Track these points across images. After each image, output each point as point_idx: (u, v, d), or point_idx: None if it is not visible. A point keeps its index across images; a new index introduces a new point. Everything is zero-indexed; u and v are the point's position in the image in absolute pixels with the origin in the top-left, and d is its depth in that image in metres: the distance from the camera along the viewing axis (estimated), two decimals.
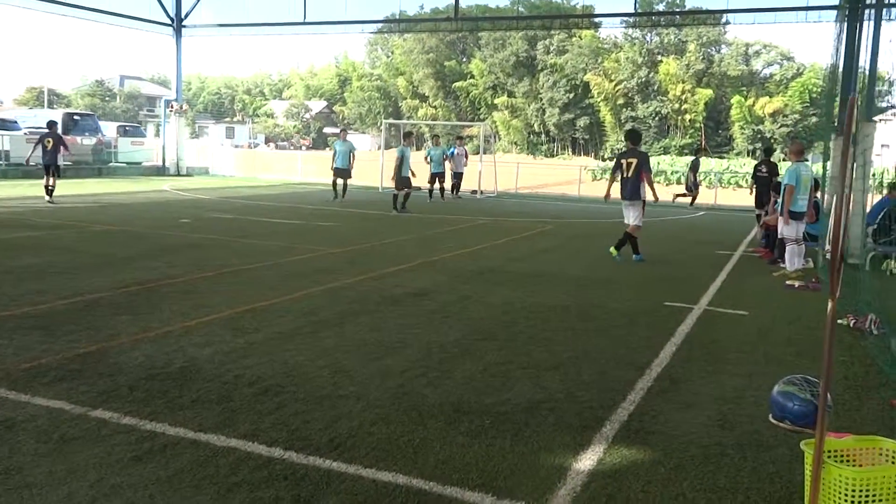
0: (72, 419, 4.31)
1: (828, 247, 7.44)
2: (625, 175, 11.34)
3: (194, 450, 3.95)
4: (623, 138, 12.14)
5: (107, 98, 77.13)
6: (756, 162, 18.06)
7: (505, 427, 4.45)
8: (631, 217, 11.51)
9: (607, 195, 12.11)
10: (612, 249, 11.61)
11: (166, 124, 32.01)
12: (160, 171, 31.22)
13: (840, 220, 2.75)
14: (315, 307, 7.44)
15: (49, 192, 17.18)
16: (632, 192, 11.34)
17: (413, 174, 18.84)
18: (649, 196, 11.57)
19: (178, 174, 30.83)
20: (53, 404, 4.52)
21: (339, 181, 20.72)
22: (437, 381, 5.25)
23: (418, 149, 56.53)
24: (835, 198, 6.21)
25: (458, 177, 24.32)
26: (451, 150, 24.66)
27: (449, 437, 4.26)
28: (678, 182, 43.96)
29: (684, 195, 22.67)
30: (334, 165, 20.72)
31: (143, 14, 29.59)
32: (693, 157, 24.93)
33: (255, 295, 7.89)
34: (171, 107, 31.48)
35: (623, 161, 11.44)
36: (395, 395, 4.92)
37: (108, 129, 34.23)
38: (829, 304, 2.87)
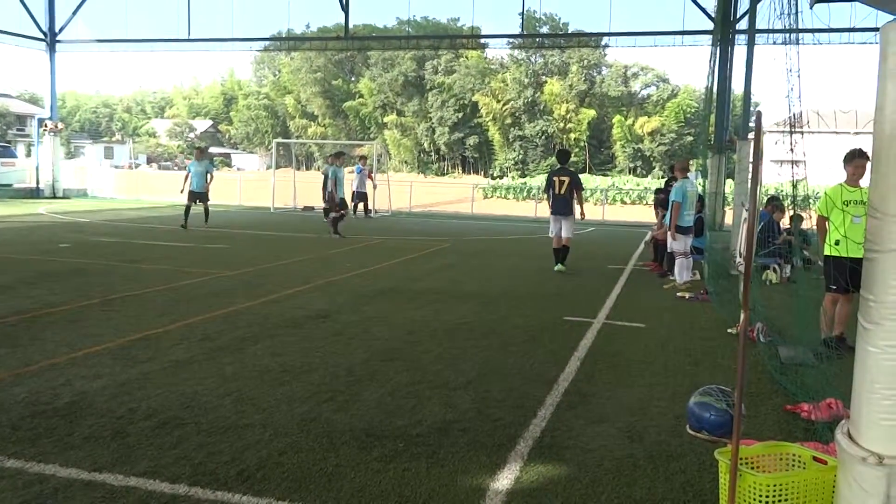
0: None
1: (739, 259, 7.75)
2: (557, 192, 12.08)
3: (89, 492, 3.67)
4: (556, 159, 12.82)
5: None
6: (665, 179, 18.79)
7: (419, 450, 4.36)
8: (566, 230, 12.16)
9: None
10: (558, 267, 12.10)
11: (40, 144, 30.29)
12: (34, 193, 29.46)
13: (752, 235, 2.84)
14: (212, 333, 7.14)
15: None
16: (565, 207, 12.10)
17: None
18: (577, 213, 12.28)
19: (54, 196, 29.18)
20: None
21: (199, 205, 18.34)
22: (345, 406, 5.11)
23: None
24: (745, 213, 6.48)
25: (361, 196, 23.83)
26: (357, 168, 24.20)
27: (363, 464, 4.14)
28: None
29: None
30: (189, 188, 18.33)
31: (12, 28, 27.93)
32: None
33: (147, 322, 7.50)
34: (45, 125, 29.79)
35: (555, 179, 12.20)
36: (303, 422, 4.75)
37: None
38: (742, 316, 2.95)
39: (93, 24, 33.53)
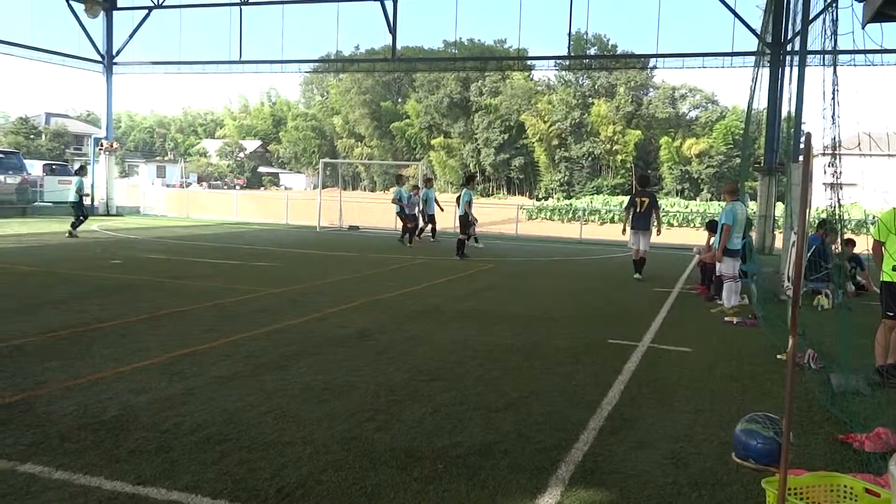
0: None
1: (787, 283, 7.59)
2: (638, 210, 14.10)
3: None
4: (638, 183, 15.13)
5: (32, 136, 74.87)
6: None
7: (459, 471, 4.33)
8: (642, 244, 14.14)
9: (625, 229, 14.45)
10: (636, 276, 14.25)
11: (95, 163, 31.15)
12: (88, 210, 30.26)
13: (801, 259, 2.78)
14: (256, 350, 7.22)
15: None
16: (644, 224, 14.09)
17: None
18: (654, 229, 14.30)
19: (108, 214, 29.98)
20: None
21: None
22: (386, 425, 5.11)
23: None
24: (793, 236, 6.34)
25: (412, 219, 24.33)
26: (408, 195, 24.56)
27: (402, 484, 4.12)
28: (612, 221, 44.87)
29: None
30: None
31: (72, 50, 28.92)
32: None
33: (193, 338, 7.62)
34: (101, 145, 30.67)
35: (637, 199, 14.32)
36: (344, 441, 4.76)
37: (34, 167, 33.12)
38: (790, 342, 2.87)
39: (147, 47, 34.40)
